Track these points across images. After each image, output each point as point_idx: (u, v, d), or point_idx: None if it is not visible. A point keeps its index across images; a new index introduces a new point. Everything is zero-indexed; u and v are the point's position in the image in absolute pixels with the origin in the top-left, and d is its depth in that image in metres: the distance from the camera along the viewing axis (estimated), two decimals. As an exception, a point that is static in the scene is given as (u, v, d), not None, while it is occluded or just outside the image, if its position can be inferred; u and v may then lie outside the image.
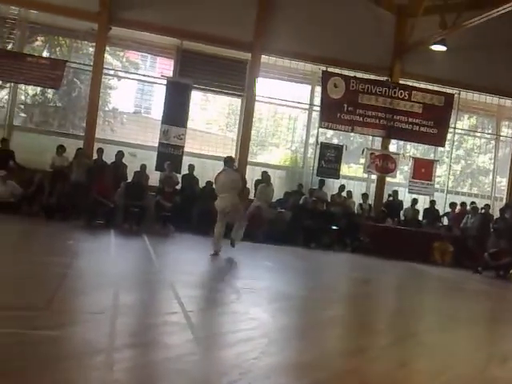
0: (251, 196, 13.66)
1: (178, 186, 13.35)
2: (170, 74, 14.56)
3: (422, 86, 15.38)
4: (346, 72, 14.90)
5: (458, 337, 5.73)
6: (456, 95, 15.52)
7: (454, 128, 16.14)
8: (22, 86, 14.34)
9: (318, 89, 15.05)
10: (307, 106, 15.66)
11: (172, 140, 13.82)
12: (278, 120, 16.18)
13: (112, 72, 15.12)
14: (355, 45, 14.50)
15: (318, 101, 15.14)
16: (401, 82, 15.29)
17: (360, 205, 14.71)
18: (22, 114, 14.81)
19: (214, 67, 14.56)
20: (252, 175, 14.44)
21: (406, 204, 15.12)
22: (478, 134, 17.27)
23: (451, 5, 13.22)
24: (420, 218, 14.86)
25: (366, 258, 12.36)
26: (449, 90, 15.45)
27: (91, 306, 4.88)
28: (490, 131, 17.38)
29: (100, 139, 13.88)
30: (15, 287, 5.39)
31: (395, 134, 15.27)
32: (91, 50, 14.38)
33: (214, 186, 9.78)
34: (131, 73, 15.46)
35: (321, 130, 15.33)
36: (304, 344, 4.66)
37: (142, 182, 12.69)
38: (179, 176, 13.58)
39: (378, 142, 15.72)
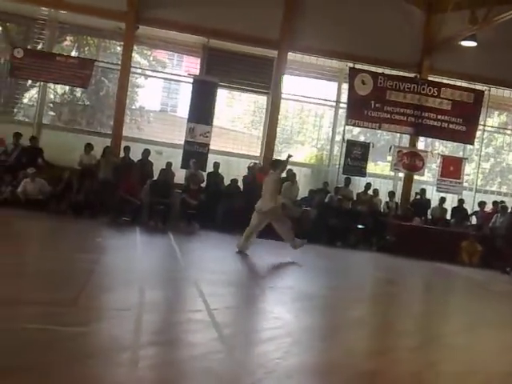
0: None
1: (203, 184, 13.41)
2: (197, 72, 14.61)
3: (452, 82, 15.13)
4: (373, 69, 14.76)
5: (485, 339, 5.64)
6: (486, 92, 15.24)
7: (484, 125, 15.85)
8: (51, 85, 14.58)
9: (345, 86, 14.94)
10: (334, 103, 15.56)
11: (198, 138, 13.88)
12: (304, 117, 16.12)
13: (139, 71, 15.25)
14: (383, 41, 14.34)
15: (344, 98, 15.03)
16: (430, 78, 15.07)
17: (386, 203, 14.56)
18: (51, 113, 15.06)
19: (240, 65, 14.58)
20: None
21: (434, 203, 14.90)
22: (509, 132, 16.94)
23: (481, 0, 12.98)
24: (448, 217, 14.64)
25: (391, 258, 12.23)
26: (478, 87, 15.18)
27: (117, 303, 4.93)
28: (520, 128, 17.03)
29: (127, 137, 14.03)
30: (44, 283, 5.48)
31: (423, 131, 15.07)
32: (119, 49, 14.54)
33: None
34: (158, 71, 15.57)
35: (347, 127, 15.21)
36: (328, 344, 4.64)
37: (167, 179, 12.77)
38: (204, 174, 13.65)
39: (405, 140, 15.54)
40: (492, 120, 16.83)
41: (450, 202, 15.11)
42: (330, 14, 14.26)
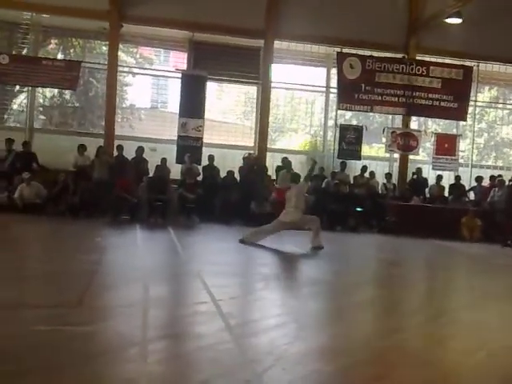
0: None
1: (200, 178, 13.40)
2: (184, 66, 14.55)
3: (440, 60, 15.11)
4: (361, 52, 14.71)
5: (491, 313, 5.65)
6: (475, 67, 15.22)
7: (475, 101, 15.85)
8: (40, 89, 14.51)
9: (334, 71, 14.92)
10: (324, 89, 15.52)
11: (190, 132, 13.85)
12: (296, 105, 16.09)
13: (127, 69, 15.18)
14: (368, 24, 14.28)
15: (334, 83, 14.99)
16: (418, 57, 15.04)
17: (384, 185, 14.58)
18: (42, 117, 14.99)
19: (228, 57, 14.52)
20: (272, 162, 14.43)
21: (431, 181, 14.93)
22: (500, 106, 16.96)
23: (464, -25, 12.93)
24: (446, 194, 14.66)
25: (392, 239, 12.26)
26: (467, 63, 15.16)
27: (122, 300, 4.93)
28: (511, 101, 17.02)
29: (120, 136, 13.99)
30: (47, 286, 5.48)
31: (415, 110, 15.07)
32: (104, 48, 14.47)
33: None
34: (146, 68, 15.51)
35: (339, 111, 15.20)
36: (336, 328, 4.64)
37: (163, 175, 12.75)
38: (200, 167, 13.63)
39: (398, 120, 15.54)
40: (483, 95, 16.83)
41: (447, 179, 15.14)
42: (313, 0, 14.17)
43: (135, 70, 15.53)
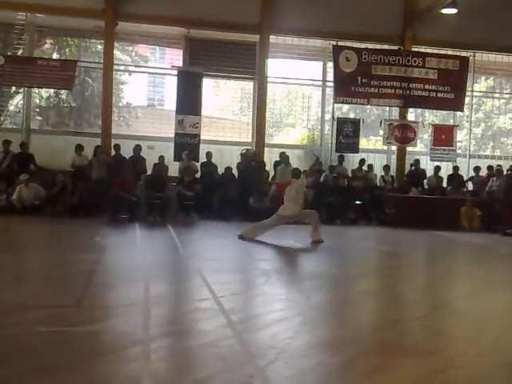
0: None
1: (198, 175, 13.39)
2: (180, 63, 14.52)
3: (436, 51, 15.09)
4: (357, 44, 14.69)
5: (492, 301, 5.66)
6: (471, 57, 15.21)
7: (472, 91, 15.85)
8: (36, 90, 14.48)
9: (330, 64, 14.90)
10: (320, 83, 15.51)
11: (188, 129, 13.84)
12: (292, 100, 16.08)
13: (122, 67, 15.18)
14: (364, 16, 14.27)
15: (330, 76, 14.98)
16: (413, 49, 15.03)
17: (382, 177, 14.59)
18: (38, 118, 14.97)
19: (224, 53, 14.50)
20: (270, 157, 14.43)
21: (429, 172, 14.94)
22: (497, 95, 16.97)
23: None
24: (444, 185, 14.68)
25: (392, 231, 12.27)
26: (463, 53, 15.15)
27: (123, 299, 4.93)
28: (508, 91, 17.03)
29: (117, 135, 13.98)
30: (48, 287, 5.48)
31: (412, 102, 15.07)
32: (100, 47, 14.44)
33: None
34: (141, 66, 15.49)
35: (336, 105, 15.20)
36: (338, 320, 4.65)
37: (161, 173, 12.75)
38: (198, 164, 13.62)
39: (395, 112, 15.53)
40: (479, 85, 16.83)
41: (445, 170, 15.16)
42: (308, -6, 14.16)
43: (131, 68, 15.52)
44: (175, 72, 14.30)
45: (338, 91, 14.56)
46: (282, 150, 14.29)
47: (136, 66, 15.52)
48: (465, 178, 15.05)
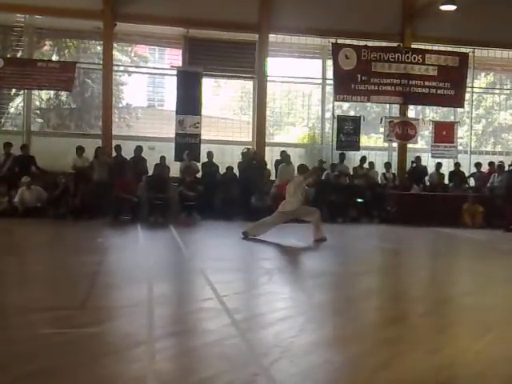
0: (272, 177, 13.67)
1: (199, 175, 13.39)
2: (180, 63, 14.51)
3: (435, 48, 15.07)
4: (356, 42, 14.67)
5: (495, 298, 5.65)
6: (470, 54, 15.19)
7: (472, 87, 15.82)
8: (36, 92, 14.48)
9: (330, 62, 14.88)
10: (320, 81, 15.50)
11: (188, 129, 13.84)
12: (292, 98, 16.06)
13: (122, 68, 15.17)
14: (363, 14, 14.25)
15: (330, 74, 14.96)
16: (413, 46, 15.00)
17: (383, 174, 14.57)
18: (39, 120, 14.98)
19: (223, 52, 14.49)
20: (271, 156, 14.42)
21: (431, 169, 14.92)
22: (497, 91, 16.94)
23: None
24: (446, 181, 14.66)
25: (394, 228, 12.26)
26: (463, 49, 15.13)
27: (127, 300, 4.93)
28: (508, 86, 17.00)
29: (117, 136, 13.97)
30: (50, 288, 5.48)
31: (412, 99, 15.05)
32: (99, 48, 14.43)
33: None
34: (141, 67, 15.48)
35: (336, 103, 15.19)
36: (342, 318, 4.64)
37: (163, 174, 12.75)
38: (199, 164, 13.61)
39: (395, 110, 15.52)
40: (479, 81, 16.82)
41: (447, 166, 15.14)
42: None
43: (130, 69, 15.52)
44: (175, 72, 14.29)
45: (338, 89, 14.54)
46: (282, 148, 14.31)
47: (135, 67, 15.53)
48: (466, 175, 15.03)
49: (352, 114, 15.99)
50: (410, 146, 15.34)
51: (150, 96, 16.04)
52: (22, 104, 14.39)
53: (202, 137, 14.01)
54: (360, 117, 15.07)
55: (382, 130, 15.35)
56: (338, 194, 13.23)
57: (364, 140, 15.47)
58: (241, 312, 4.63)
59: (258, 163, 13.74)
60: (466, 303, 5.35)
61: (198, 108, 14.01)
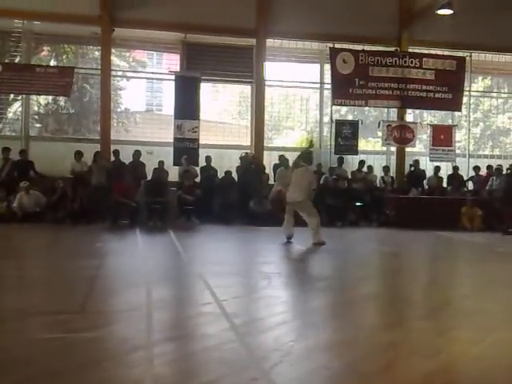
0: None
1: (198, 179, 13.39)
2: (178, 68, 14.54)
3: (433, 52, 15.12)
4: (353, 46, 14.71)
5: (495, 301, 5.65)
6: (467, 57, 15.24)
7: (469, 91, 15.88)
8: (34, 97, 14.49)
9: (327, 66, 14.93)
10: (318, 85, 15.52)
11: (186, 134, 13.85)
12: (290, 102, 16.09)
13: (120, 73, 15.19)
14: (360, 18, 14.29)
15: (328, 79, 14.99)
16: (410, 50, 15.05)
17: (382, 178, 14.59)
18: (37, 125, 14.98)
19: (221, 57, 14.52)
20: (269, 160, 14.42)
21: (429, 173, 14.95)
22: (494, 95, 16.99)
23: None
24: (444, 185, 14.69)
25: (393, 232, 12.27)
26: (460, 53, 15.18)
27: (125, 305, 4.92)
28: (506, 90, 17.05)
29: (116, 141, 13.97)
30: (49, 293, 5.46)
31: (410, 103, 15.09)
32: (97, 53, 14.45)
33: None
34: (139, 72, 15.50)
35: (334, 107, 15.22)
36: (341, 322, 4.63)
37: (161, 178, 12.75)
38: (197, 169, 13.62)
39: (393, 114, 15.55)
40: (477, 85, 16.87)
41: (445, 170, 15.17)
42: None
43: (129, 74, 15.54)
44: (173, 77, 14.31)
45: (336, 93, 14.57)
46: (281, 152, 14.30)
47: (134, 72, 15.54)
48: (465, 178, 15.06)
49: (350, 118, 16.02)
50: (408, 149, 15.37)
51: (149, 101, 16.06)
52: (20, 109, 14.40)
53: (201, 141, 14.02)
54: (358, 121, 15.10)
55: (380, 133, 15.38)
56: (337, 198, 13.24)
57: (362, 144, 15.50)
58: (240, 316, 4.62)
59: (257, 167, 13.75)
60: (466, 307, 5.34)
61: (197, 113, 14.03)
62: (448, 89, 14.93)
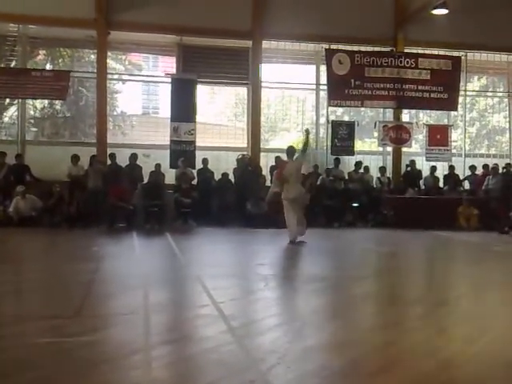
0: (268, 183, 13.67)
1: (195, 181, 13.39)
2: (174, 71, 14.53)
3: (428, 52, 15.15)
4: (349, 47, 14.74)
5: (492, 300, 5.67)
6: (463, 57, 15.27)
7: (465, 90, 15.91)
8: (30, 101, 14.47)
9: (323, 68, 14.94)
10: (314, 86, 15.54)
11: (183, 136, 13.85)
12: (287, 104, 16.10)
13: (116, 76, 15.17)
14: (355, 19, 14.32)
15: (324, 80, 15.01)
16: (406, 50, 15.08)
17: (378, 179, 14.61)
18: (33, 129, 14.96)
19: (217, 59, 14.53)
20: (266, 162, 14.44)
21: (425, 172, 14.98)
22: (490, 94, 17.03)
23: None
24: (441, 185, 14.71)
25: (390, 232, 12.29)
26: (455, 53, 15.21)
27: (122, 308, 4.91)
28: (501, 89, 17.09)
29: (112, 144, 13.97)
30: (45, 297, 5.45)
31: (406, 103, 15.12)
32: (93, 57, 14.44)
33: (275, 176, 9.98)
34: (135, 75, 15.48)
35: (330, 108, 15.24)
36: (338, 323, 4.63)
37: (158, 181, 12.75)
38: (194, 171, 13.62)
39: (389, 114, 15.57)
40: (472, 84, 16.90)
41: (441, 170, 15.19)
42: (298, -2, 14.22)
43: (125, 77, 15.52)
44: (169, 79, 14.31)
45: (332, 94, 14.59)
46: (277, 154, 14.31)
47: (129, 75, 15.53)
48: (461, 178, 15.09)
49: (346, 118, 16.04)
50: (404, 149, 15.40)
51: (145, 104, 16.05)
52: (16, 113, 14.37)
53: (197, 143, 14.03)
54: (354, 122, 15.12)
55: (376, 134, 15.40)
56: (334, 199, 13.26)
57: (358, 145, 15.51)
58: (237, 318, 4.61)
59: (254, 169, 13.76)
60: (463, 306, 5.35)
61: (193, 115, 14.04)
62: (444, 88, 14.96)
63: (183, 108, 13.90)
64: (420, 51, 15.14)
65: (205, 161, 13.75)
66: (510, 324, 4.65)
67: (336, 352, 3.78)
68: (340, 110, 16.33)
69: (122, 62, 15.65)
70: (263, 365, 3.37)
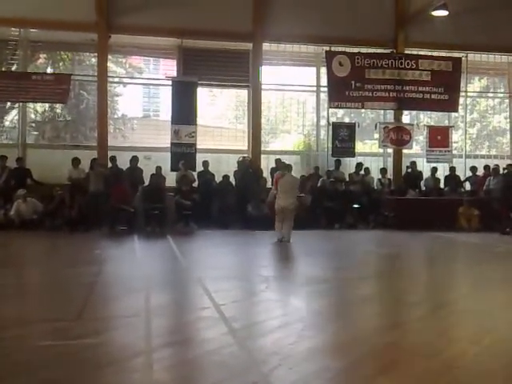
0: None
1: (195, 184, 13.39)
2: (175, 74, 14.55)
3: (428, 53, 15.15)
4: (349, 49, 14.75)
5: (494, 300, 5.66)
6: (463, 58, 15.28)
7: (466, 91, 15.90)
8: (31, 105, 14.48)
9: (324, 70, 14.94)
10: (314, 88, 15.55)
11: (184, 139, 13.86)
12: (287, 106, 16.10)
13: (117, 79, 15.19)
14: (356, 21, 14.34)
15: (324, 82, 15.01)
16: (406, 52, 15.08)
17: (379, 180, 14.61)
18: (34, 132, 14.96)
19: (217, 61, 14.53)
20: (267, 164, 14.44)
21: (426, 174, 14.97)
22: (491, 95, 17.02)
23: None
24: (441, 186, 14.70)
25: (391, 233, 12.28)
26: (456, 54, 15.22)
27: (124, 311, 4.92)
28: (502, 90, 17.09)
29: (113, 147, 13.96)
30: (48, 300, 5.46)
31: (406, 104, 15.11)
32: (94, 60, 14.46)
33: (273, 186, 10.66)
34: (136, 78, 15.50)
35: (331, 110, 15.24)
36: (340, 324, 4.64)
37: (159, 184, 12.75)
38: (195, 173, 13.62)
39: (390, 115, 15.57)
40: (473, 85, 16.88)
41: (442, 171, 15.18)
42: (299, 0, 14.21)
43: (125, 80, 15.54)
44: (170, 82, 14.32)
45: (333, 96, 14.60)
46: (278, 156, 14.32)
47: (130, 78, 15.54)
48: (462, 179, 15.08)
49: (347, 120, 16.04)
50: (405, 151, 15.39)
51: (146, 106, 16.06)
52: (17, 117, 14.38)
53: (198, 146, 14.03)
54: (355, 123, 15.13)
55: (376, 136, 15.39)
56: (335, 201, 13.26)
57: (359, 146, 15.51)
58: (239, 320, 4.62)
59: (254, 171, 13.76)
60: (464, 307, 5.35)
61: (194, 117, 14.05)
62: (444, 90, 14.96)
63: (184, 110, 13.91)
64: (420, 52, 15.14)
65: (205, 163, 13.76)
66: (510, 324, 4.65)
67: (338, 353, 3.79)
68: (340, 112, 16.33)
69: (123, 65, 15.66)
70: (265, 366, 3.38)
